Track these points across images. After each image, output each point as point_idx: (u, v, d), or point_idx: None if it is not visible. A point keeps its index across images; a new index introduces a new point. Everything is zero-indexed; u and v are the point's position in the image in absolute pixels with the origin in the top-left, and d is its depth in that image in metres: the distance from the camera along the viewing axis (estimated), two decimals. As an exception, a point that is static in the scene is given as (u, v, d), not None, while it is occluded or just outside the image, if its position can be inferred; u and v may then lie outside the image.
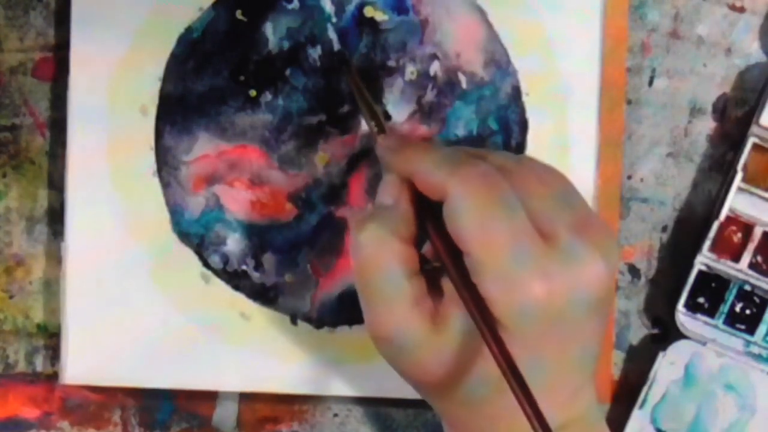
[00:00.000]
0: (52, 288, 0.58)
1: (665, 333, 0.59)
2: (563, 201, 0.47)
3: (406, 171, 0.48)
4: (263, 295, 0.57)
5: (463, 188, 0.46)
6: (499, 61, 0.57)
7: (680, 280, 0.58)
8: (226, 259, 0.57)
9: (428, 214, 0.48)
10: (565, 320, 0.46)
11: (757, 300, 0.58)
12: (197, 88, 0.57)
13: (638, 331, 0.59)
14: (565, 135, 0.57)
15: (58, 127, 0.58)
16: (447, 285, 0.47)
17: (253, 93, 0.57)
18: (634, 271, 0.59)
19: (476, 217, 0.45)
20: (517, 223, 0.45)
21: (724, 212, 0.57)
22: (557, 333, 0.46)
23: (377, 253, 0.47)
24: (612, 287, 0.48)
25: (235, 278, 0.57)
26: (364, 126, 0.57)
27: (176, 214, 0.57)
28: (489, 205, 0.45)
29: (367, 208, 0.55)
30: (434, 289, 0.48)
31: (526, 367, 0.44)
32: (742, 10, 0.59)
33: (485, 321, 0.45)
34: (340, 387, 0.57)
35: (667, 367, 0.57)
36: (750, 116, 0.58)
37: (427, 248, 0.49)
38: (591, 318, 0.47)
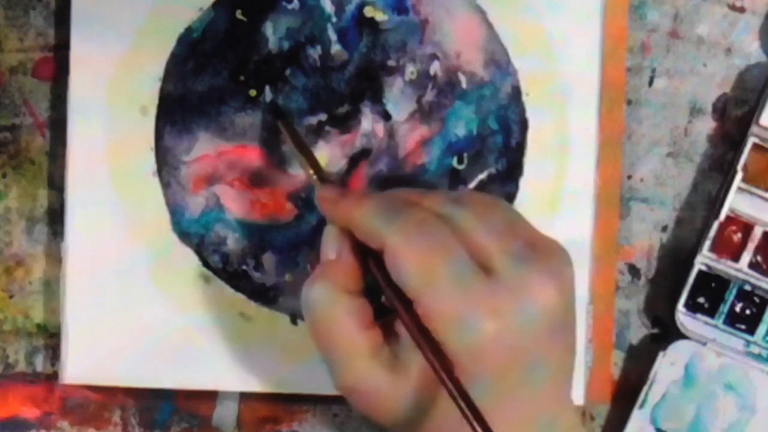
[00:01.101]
0: (52, 288, 0.58)
1: (665, 333, 0.59)
2: (504, 232, 0.47)
3: (345, 222, 0.49)
4: (263, 295, 0.57)
5: (400, 238, 0.46)
6: (499, 61, 0.57)
7: (680, 280, 0.58)
8: (226, 259, 0.57)
9: (373, 264, 0.48)
10: (525, 350, 0.46)
11: (757, 300, 0.58)
12: (197, 88, 0.57)
13: (638, 331, 0.59)
14: (565, 135, 0.57)
15: (58, 127, 0.58)
16: (402, 330, 0.48)
17: (253, 93, 0.57)
18: (634, 271, 0.59)
19: (417, 266, 0.46)
20: (459, 266, 0.46)
21: (724, 212, 0.57)
22: (518, 364, 0.46)
23: (328, 311, 0.48)
24: (570, 305, 0.48)
25: (235, 278, 0.57)
26: (364, 125, 0.57)
27: (176, 214, 0.57)
28: (428, 252, 0.46)
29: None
30: (391, 335, 0.48)
31: (490, 404, 0.44)
32: (742, 10, 0.59)
33: (441, 364, 0.45)
34: (340, 387, 0.57)
35: (667, 367, 0.57)
36: (750, 116, 0.58)
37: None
38: (553, 340, 0.47)
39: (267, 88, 0.57)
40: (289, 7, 0.57)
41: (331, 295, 0.48)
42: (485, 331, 0.45)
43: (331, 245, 0.49)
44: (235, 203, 0.57)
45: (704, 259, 0.57)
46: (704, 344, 0.57)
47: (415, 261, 0.46)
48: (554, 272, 0.47)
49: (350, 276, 0.49)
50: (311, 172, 0.53)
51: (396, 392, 0.47)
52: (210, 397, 0.58)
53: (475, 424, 0.44)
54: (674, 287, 0.58)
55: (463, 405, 0.44)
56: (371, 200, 0.49)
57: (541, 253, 0.47)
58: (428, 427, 0.48)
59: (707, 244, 0.57)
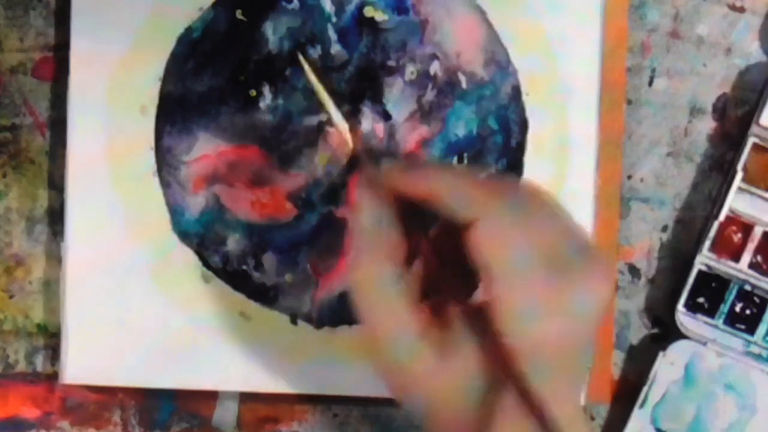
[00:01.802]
0: (52, 288, 0.58)
1: (665, 333, 0.59)
2: (570, 227, 0.47)
3: (424, 191, 0.46)
4: (263, 295, 0.57)
5: (500, 213, 0.45)
6: (499, 61, 0.57)
7: (680, 280, 0.58)
8: (226, 259, 0.57)
9: (426, 238, 0.47)
10: (581, 341, 0.46)
11: (757, 300, 0.58)
12: (197, 88, 0.57)
13: (638, 331, 0.59)
14: (565, 135, 0.57)
15: (58, 127, 0.58)
16: (452, 313, 0.47)
17: (253, 93, 0.57)
18: (634, 271, 0.59)
19: (510, 245, 0.45)
20: (541, 259, 0.45)
21: (724, 212, 0.57)
22: (573, 354, 0.46)
23: (377, 283, 0.46)
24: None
25: (235, 278, 0.57)
26: (364, 126, 0.57)
27: (176, 214, 0.57)
28: (523, 235, 0.45)
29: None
30: (440, 318, 0.47)
31: (544, 392, 0.44)
32: (742, 10, 0.59)
33: (503, 351, 0.44)
34: (340, 387, 0.57)
35: (667, 367, 0.57)
36: (750, 116, 0.58)
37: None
38: (593, 339, 0.47)
39: (267, 88, 0.57)
40: (289, 7, 0.57)
41: (379, 268, 0.46)
42: (551, 326, 0.45)
43: (371, 212, 0.47)
44: (235, 203, 0.57)
45: (704, 259, 0.57)
46: (704, 344, 0.57)
47: (512, 246, 0.45)
48: (608, 269, 0.47)
49: (395, 244, 0.47)
50: (350, 143, 0.52)
51: (441, 378, 0.46)
52: (210, 397, 0.58)
53: (534, 407, 0.43)
54: (674, 287, 0.58)
55: (523, 390, 0.44)
56: (461, 171, 0.48)
57: (596, 252, 0.47)
58: (466, 412, 0.46)
59: (707, 244, 0.57)
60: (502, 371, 0.45)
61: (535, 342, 0.45)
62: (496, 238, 0.45)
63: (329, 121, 0.57)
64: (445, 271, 0.47)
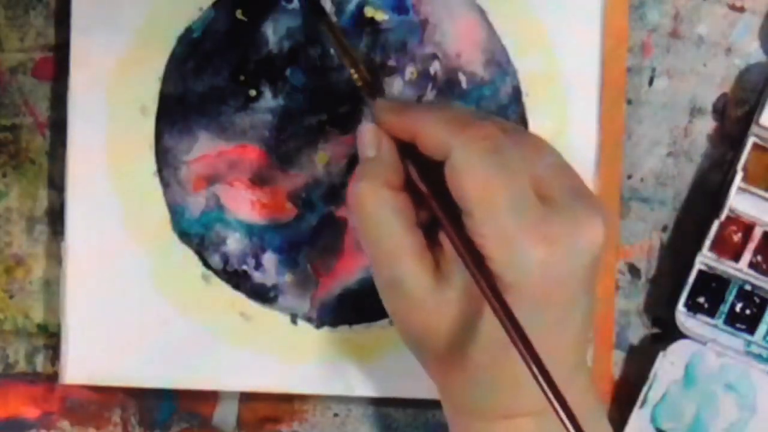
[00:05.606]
0: (52, 288, 0.58)
1: (665, 333, 0.59)
2: (561, 168, 0.48)
3: (408, 129, 0.48)
4: (263, 295, 0.57)
5: (469, 147, 0.46)
6: (499, 61, 0.57)
7: (680, 280, 0.58)
8: (226, 259, 0.57)
9: (417, 169, 0.48)
10: (566, 286, 0.46)
11: (757, 300, 0.58)
12: (197, 88, 0.57)
13: (638, 331, 0.59)
14: (565, 135, 0.57)
15: (58, 127, 0.58)
16: (446, 241, 0.48)
17: (253, 93, 0.57)
18: (634, 271, 0.59)
19: (480, 177, 0.45)
20: (520, 191, 0.46)
21: (724, 212, 0.57)
22: (558, 300, 0.46)
23: (376, 208, 0.48)
24: (603, 253, 0.47)
25: (235, 278, 0.57)
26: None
27: (176, 214, 0.57)
28: (493, 166, 0.45)
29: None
30: (434, 244, 0.48)
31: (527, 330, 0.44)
32: (742, 10, 0.59)
33: (485, 278, 0.45)
34: (340, 387, 0.57)
35: (667, 367, 0.57)
36: (750, 116, 0.58)
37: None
38: (588, 283, 0.47)
39: (267, 88, 0.57)
40: (289, 6, 0.57)
41: (377, 192, 0.48)
42: (534, 255, 0.45)
43: (371, 142, 0.49)
44: (235, 203, 0.57)
45: (704, 259, 0.57)
46: (704, 344, 0.57)
47: (480, 171, 0.45)
48: (602, 214, 0.47)
49: (393, 172, 0.48)
50: (356, 76, 0.52)
51: (437, 302, 0.47)
52: (210, 397, 0.58)
53: (515, 336, 0.44)
54: (674, 287, 0.58)
55: (504, 318, 0.44)
56: (441, 109, 0.49)
57: (591, 196, 0.47)
58: (460, 355, 0.47)
59: (707, 244, 0.57)
60: (490, 304, 0.45)
61: (520, 273, 0.45)
62: (468, 172, 0.46)
63: (329, 121, 0.57)
64: (437, 202, 0.47)
